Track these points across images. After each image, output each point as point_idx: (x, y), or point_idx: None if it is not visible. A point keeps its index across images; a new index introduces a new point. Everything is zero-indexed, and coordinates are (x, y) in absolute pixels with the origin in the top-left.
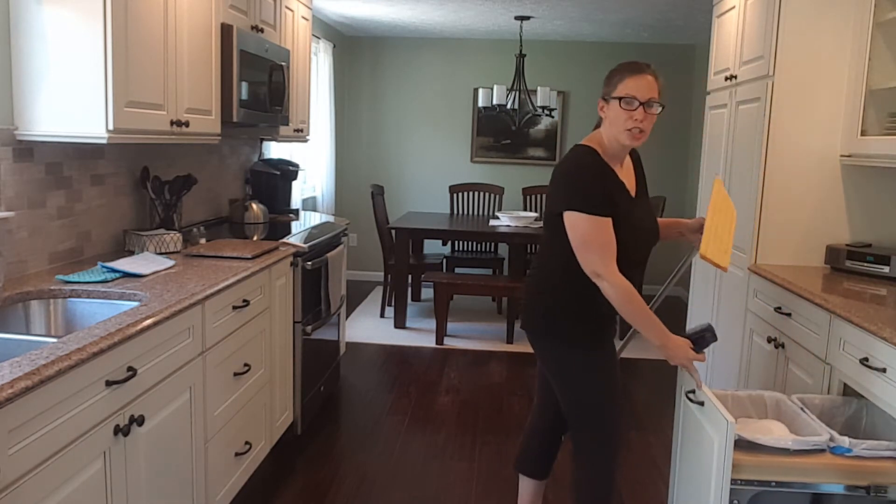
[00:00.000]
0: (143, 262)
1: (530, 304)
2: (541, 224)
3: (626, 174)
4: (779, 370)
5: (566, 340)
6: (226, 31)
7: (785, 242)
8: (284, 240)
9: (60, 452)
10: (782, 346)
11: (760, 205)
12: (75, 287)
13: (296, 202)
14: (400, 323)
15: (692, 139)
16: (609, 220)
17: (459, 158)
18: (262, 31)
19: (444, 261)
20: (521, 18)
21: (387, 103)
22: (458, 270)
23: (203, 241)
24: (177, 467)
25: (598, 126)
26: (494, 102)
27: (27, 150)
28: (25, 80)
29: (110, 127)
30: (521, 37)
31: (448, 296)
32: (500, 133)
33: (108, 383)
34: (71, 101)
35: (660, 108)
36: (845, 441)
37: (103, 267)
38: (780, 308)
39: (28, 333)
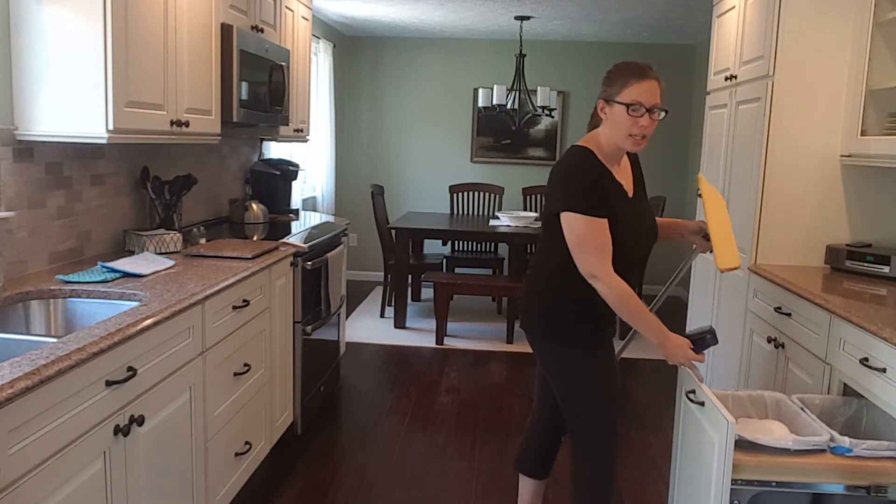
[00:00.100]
0: (143, 262)
1: (529, 305)
2: (540, 224)
3: (624, 174)
4: (779, 370)
5: (566, 340)
6: (226, 31)
7: (785, 242)
8: (284, 240)
9: (60, 452)
10: (782, 346)
11: (760, 205)
12: (75, 287)
13: (296, 202)
14: (400, 323)
15: (692, 139)
16: (605, 221)
17: (459, 158)
18: (262, 31)
19: (444, 261)
20: (521, 18)
21: (387, 103)
22: (458, 270)
23: (203, 241)
24: (177, 467)
25: (592, 125)
26: (494, 102)
27: (27, 150)
28: (25, 80)
29: (110, 127)
30: (521, 37)
31: (448, 296)
32: (500, 133)
33: (108, 383)
34: (71, 101)
35: (663, 114)
36: (846, 441)
37: (103, 267)
38: (780, 308)
39: (28, 333)
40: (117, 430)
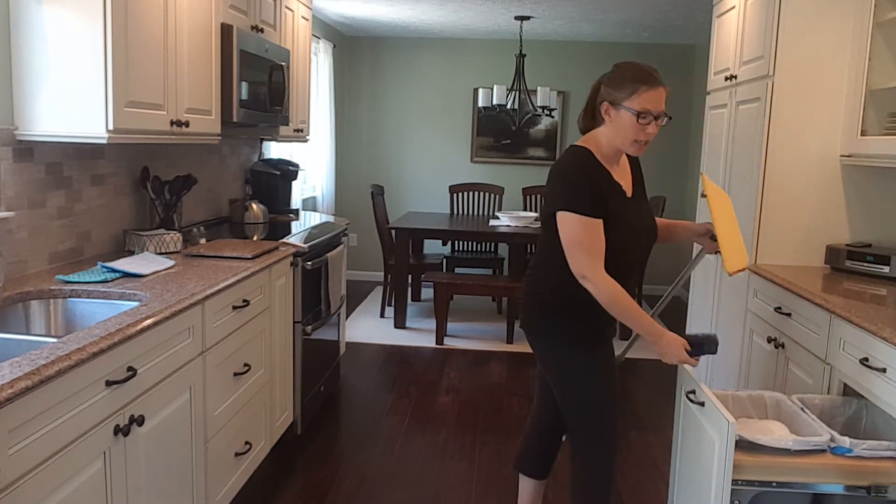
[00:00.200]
0: (143, 262)
1: (529, 305)
2: (540, 224)
3: (623, 174)
4: (779, 370)
5: (565, 340)
6: (226, 31)
7: (785, 242)
8: (284, 240)
9: (60, 452)
10: (782, 346)
11: (760, 205)
12: (75, 287)
13: (296, 202)
14: (400, 323)
15: (692, 139)
16: (600, 222)
17: (459, 158)
18: (262, 31)
19: (444, 261)
20: (521, 18)
21: (387, 103)
22: (458, 270)
23: (203, 241)
24: (177, 467)
25: (585, 126)
26: (494, 102)
27: (27, 150)
28: (25, 80)
29: (110, 127)
30: (521, 37)
31: (448, 296)
32: (500, 133)
33: (108, 383)
34: (71, 101)
35: (666, 120)
36: (846, 441)
37: (103, 267)
38: (780, 308)
39: (28, 333)
40: (117, 430)
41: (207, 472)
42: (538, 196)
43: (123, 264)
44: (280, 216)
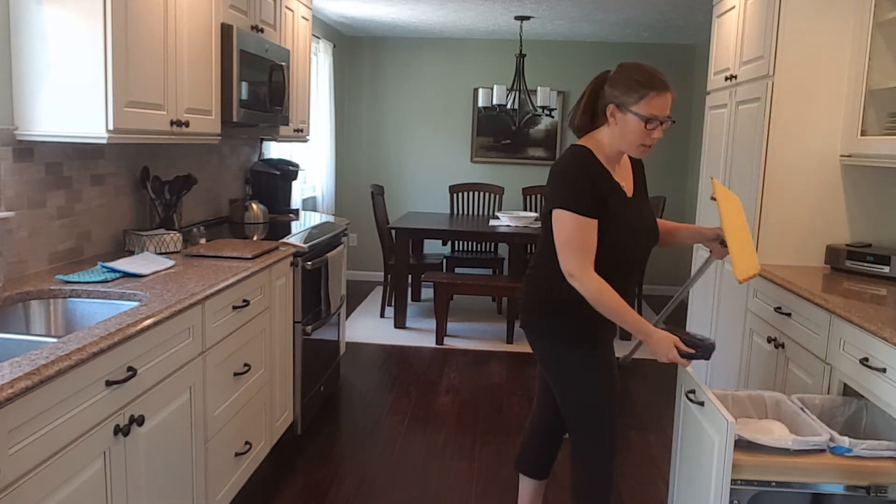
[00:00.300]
0: (143, 262)
1: (529, 304)
2: (540, 224)
3: (624, 174)
4: (779, 370)
5: (565, 340)
6: (226, 31)
7: (785, 242)
8: (284, 240)
9: (60, 452)
10: (782, 346)
11: (760, 205)
12: (75, 287)
13: (296, 202)
14: (400, 323)
15: (692, 139)
16: (594, 223)
17: (459, 158)
18: (262, 31)
19: (444, 261)
20: (521, 18)
21: (387, 103)
22: (458, 270)
23: (203, 241)
24: (177, 467)
25: (581, 127)
26: (494, 102)
27: (27, 150)
28: (25, 80)
29: (110, 127)
30: (521, 37)
31: (448, 296)
32: (500, 133)
33: (108, 383)
34: (71, 101)
35: (670, 123)
36: (845, 441)
37: (103, 267)
38: (780, 308)
39: (28, 333)
40: (117, 430)
41: (207, 472)
42: (538, 196)
43: (123, 264)
44: (280, 216)
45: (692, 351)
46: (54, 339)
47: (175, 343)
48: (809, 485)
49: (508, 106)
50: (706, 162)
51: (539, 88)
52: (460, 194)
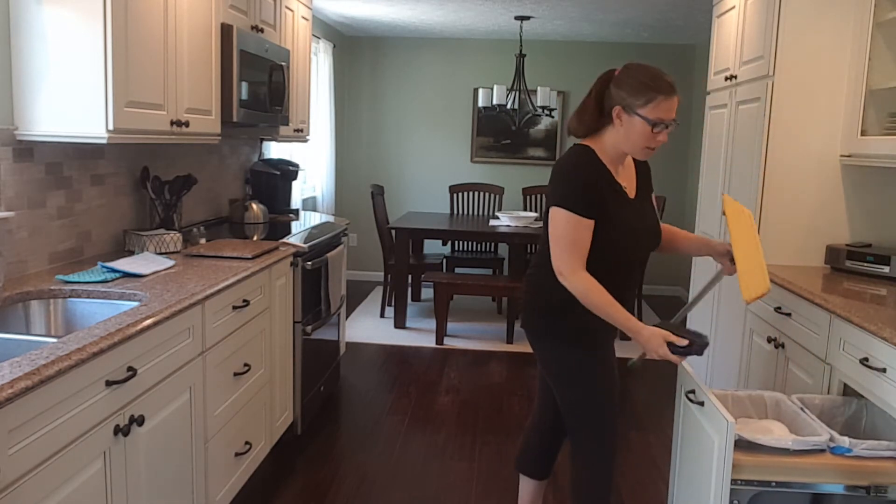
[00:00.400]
0: (143, 262)
1: (530, 304)
2: (540, 224)
3: (627, 175)
4: (779, 370)
5: (565, 340)
6: (226, 31)
7: (785, 242)
8: (284, 240)
9: (60, 452)
10: (782, 346)
11: (760, 205)
12: (75, 287)
13: (296, 202)
14: (400, 323)
15: (692, 139)
16: (590, 223)
17: (459, 158)
18: (262, 31)
19: (444, 261)
20: (521, 18)
21: (387, 103)
22: (458, 270)
23: (203, 241)
24: (177, 467)
25: (583, 128)
26: (494, 102)
27: (27, 150)
28: (25, 80)
29: (110, 127)
30: (521, 37)
31: (448, 296)
32: (500, 133)
33: (108, 383)
34: (71, 101)
35: (675, 126)
36: (845, 441)
37: (103, 267)
38: (780, 308)
39: (28, 333)
40: (117, 430)
41: (207, 472)
42: (538, 196)
43: (123, 264)
44: (280, 216)
45: (684, 342)
46: (54, 339)
47: (175, 343)
48: (809, 485)
49: (508, 106)
50: (706, 162)
51: (539, 88)
52: (460, 194)
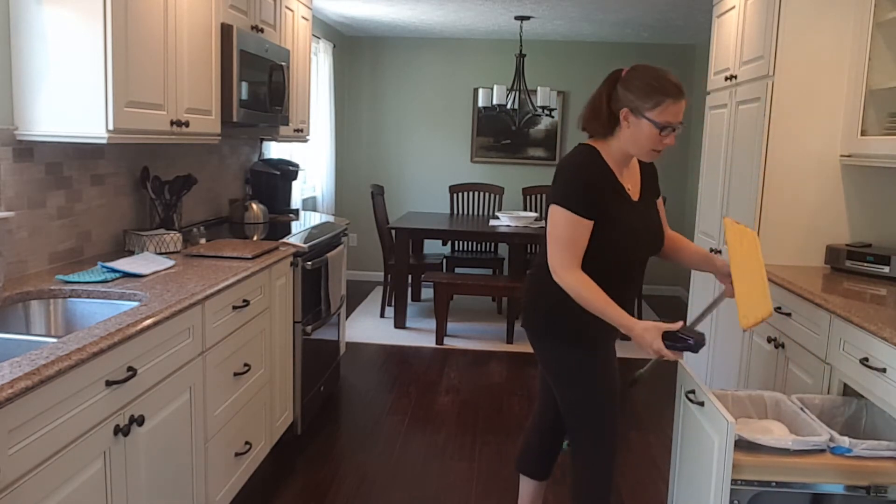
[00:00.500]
0: (143, 262)
1: (530, 304)
2: (541, 224)
3: (631, 177)
4: (779, 370)
5: (566, 340)
6: (226, 31)
7: (785, 242)
8: (284, 240)
9: (60, 452)
10: (782, 346)
11: (760, 205)
12: (75, 287)
13: (296, 202)
14: (400, 323)
15: (692, 139)
16: (588, 223)
17: (459, 158)
18: (262, 31)
19: (444, 261)
20: (521, 18)
21: (387, 103)
22: (458, 270)
23: (203, 241)
24: (177, 467)
25: (593, 127)
26: (494, 102)
27: (27, 150)
28: (25, 80)
29: (110, 127)
30: (521, 37)
31: (448, 296)
32: (500, 133)
33: (108, 383)
34: (71, 101)
35: (682, 129)
36: (845, 441)
37: (103, 267)
38: (780, 308)
39: (28, 333)
40: (117, 430)
41: (207, 472)
42: (538, 196)
43: (123, 264)
44: (280, 216)
45: (676, 327)
46: (54, 339)
47: (175, 343)
48: (809, 485)
49: (508, 106)
50: (706, 162)
51: (539, 88)
52: (460, 194)
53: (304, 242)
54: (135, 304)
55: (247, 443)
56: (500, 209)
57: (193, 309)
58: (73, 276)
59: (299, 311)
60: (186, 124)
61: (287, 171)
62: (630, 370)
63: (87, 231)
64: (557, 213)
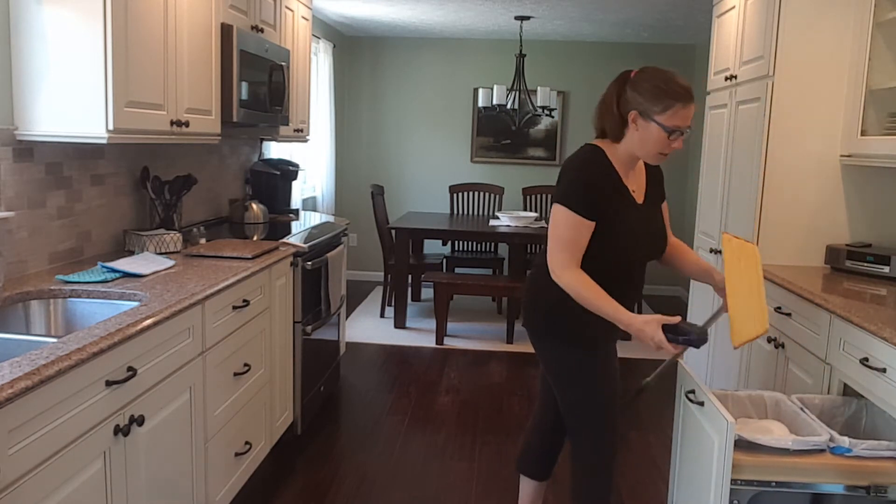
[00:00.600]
0: (143, 262)
1: (531, 303)
2: (540, 224)
3: (637, 179)
4: (779, 370)
5: (566, 340)
6: (226, 31)
7: (785, 242)
8: (284, 240)
9: (60, 452)
10: (782, 346)
11: (760, 205)
12: (75, 287)
13: (296, 202)
14: (400, 323)
15: (692, 139)
16: (589, 224)
17: (459, 158)
18: (262, 31)
19: (444, 261)
20: (521, 18)
21: (387, 103)
22: (458, 270)
23: (203, 241)
24: (177, 467)
25: (605, 128)
26: (494, 102)
27: (27, 150)
28: (25, 80)
29: (110, 127)
30: (521, 37)
31: (448, 296)
32: (500, 133)
33: (108, 383)
34: (71, 101)
35: (689, 133)
36: (845, 441)
37: (103, 267)
38: (780, 308)
39: (28, 333)
40: (117, 430)
41: (207, 472)
42: (538, 196)
43: (123, 264)
44: (280, 216)
45: (675, 321)
46: (54, 339)
47: (175, 343)
48: (809, 485)
49: (508, 106)
50: (706, 162)
51: (539, 88)
52: (460, 194)
53: (304, 242)
54: (135, 304)
55: (247, 443)
56: (500, 209)
57: (193, 309)
58: (73, 276)
59: (299, 311)
60: (186, 124)
61: (287, 171)
62: (631, 371)
63: (87, 231)
64: (559, 213)
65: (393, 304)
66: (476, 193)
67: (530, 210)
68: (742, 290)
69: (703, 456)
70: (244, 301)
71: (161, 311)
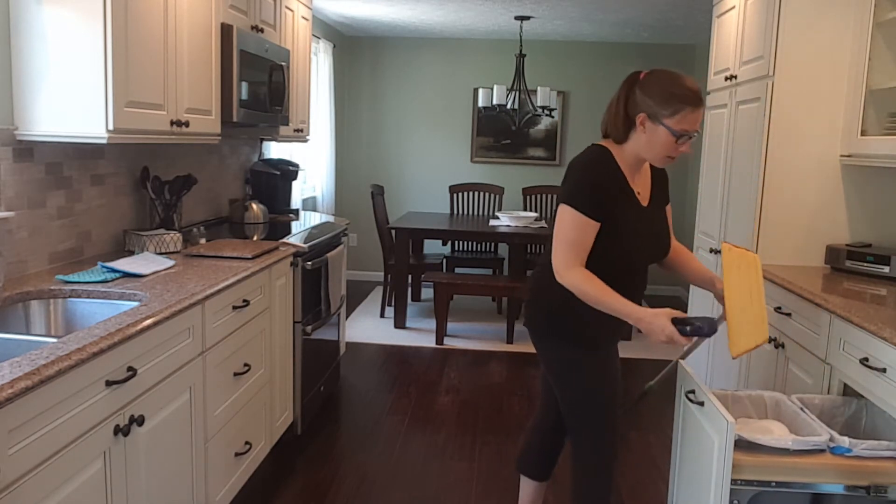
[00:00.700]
0: (143, 262)
1: (533, 303)
2: (540, 224)
3: (642, 181)
4: (779, 370)
5: (568, 340)
6: (226, 31)
7: (785, 242)
8: (284, 240)
9: (60, 452)
10: (782, 346)
11: (760, 205)
12: (75, 287)
13: (296, 202)
14: (400, 323)
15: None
16: (594, 224)
17: (459, 158)
18: (262, 31)
19: (444, 261)
20: (521, 18)
21: (387, 103)
22: (458, 270)
23: (203, 241)
24: (177, 467)
25: (611, 130)
26: (494, 102)
27: (27, 150)
28: (25, 80)
29: (110, 127)
30: (521, 37)
31: (448, 296)
32: (500, 133)
33: (108, 383)
34: (71, 101)
35: (697, 136)
36: (845, 441)
37: (103, 267)
38: (780, 308)
39: (28, 333)
40: (117, 430)
41: (207, 472)
42: (538, 196)
43: (123, 264)
44: (280, 216)
45: (684, 314)
46: (54, 339)
47: (175, 343)
48: (809, 485)
49: (508, 106)
50: (706, 162)
51: (539, 88)
52: (460, 194)
53: (304, 242)
54: (135, 304)
55: (247, 443)
56: (500, 209)
57: (193, 309)
58: (73, 276)
59: (299, 311)
60: (186, 124)
61: (287, 171)
62: (632, 371)
63: (87, 231)
64: (565, 213)
65: (393, 304)
66: (476, 193)
67: (530, 210)
68: (741, 301)
69: (703, 456)
70: (244, 301)
71: (161, 311)
